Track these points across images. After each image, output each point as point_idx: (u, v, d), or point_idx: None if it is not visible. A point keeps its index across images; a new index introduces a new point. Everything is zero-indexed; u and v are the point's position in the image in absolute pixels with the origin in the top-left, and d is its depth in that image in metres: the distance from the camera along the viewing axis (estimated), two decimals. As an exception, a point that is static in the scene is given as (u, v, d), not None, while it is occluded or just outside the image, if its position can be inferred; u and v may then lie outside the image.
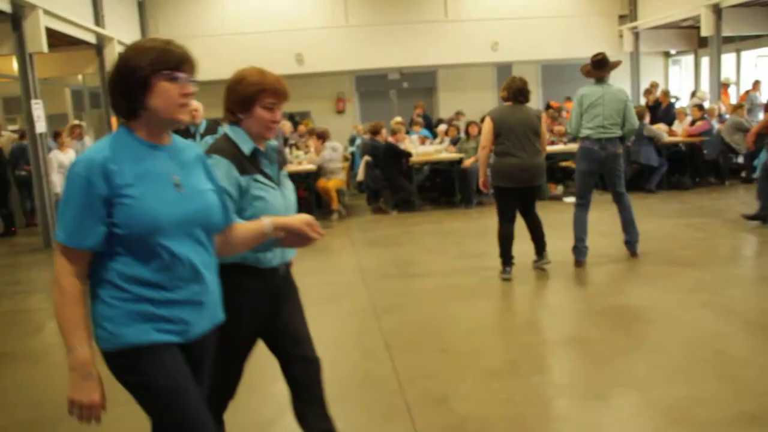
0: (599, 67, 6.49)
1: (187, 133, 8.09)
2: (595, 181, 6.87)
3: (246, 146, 2.63)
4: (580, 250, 6.59)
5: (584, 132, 6.52)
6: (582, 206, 6.65)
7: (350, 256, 8.11)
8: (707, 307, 5.25)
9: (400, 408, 3.84)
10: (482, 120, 7.05)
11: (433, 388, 4.09)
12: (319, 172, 10.56)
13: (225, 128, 2.70)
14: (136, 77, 1.97)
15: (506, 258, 6.42)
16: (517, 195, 6.31)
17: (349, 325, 5.53)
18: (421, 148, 11.70)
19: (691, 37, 17.79)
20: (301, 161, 10.93)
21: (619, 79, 18.33)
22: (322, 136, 10.82)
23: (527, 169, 6.18)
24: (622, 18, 18.52)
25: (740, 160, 11.92)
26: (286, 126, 11.85)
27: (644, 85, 16.28)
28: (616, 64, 6.64)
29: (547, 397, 3.93)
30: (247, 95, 2.60)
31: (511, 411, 3.73)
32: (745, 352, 4.33)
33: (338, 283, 6.82)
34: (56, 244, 1.99)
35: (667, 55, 20.58)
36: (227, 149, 2.59)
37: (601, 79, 6.52)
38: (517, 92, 6.25)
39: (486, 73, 18.53)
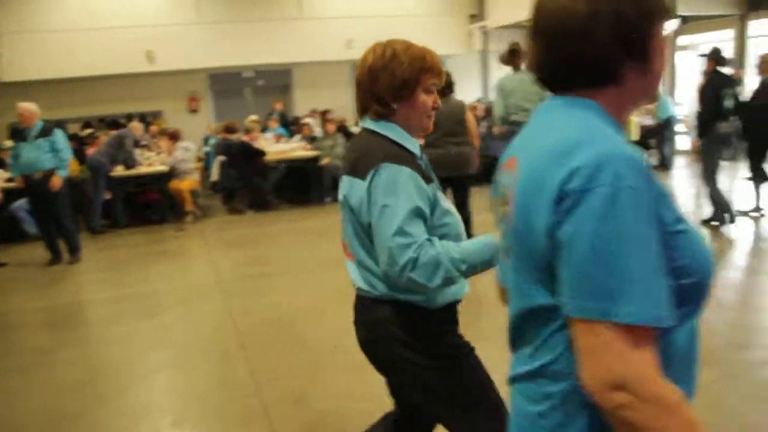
0: (514, 55, 6.85)
1: (19, 135, 7.60)
2: None
3: (413, 146, 2.07)
4: None
5: (514, 117, 6.78)
6: None
7: (205, 258, 7.89)
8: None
9: (257, 410, 3.77)
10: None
11: (290, 387, 4.04)
12: (172, 173, 10.20)
13: (370, 125, 2.09)
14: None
15: None
16: (444, 185, 6.44)
17: (204, 328, 5.36)
18: (275, 147, 11.57)
19: (533, 36, 18.64)
20: (152, 162, 10.52)
21: (469, 77, 19.06)
22: (174, 137, 10.47)
23: (454, 158, 6.33)
24: (473, 17, 19.17)
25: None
26: (137, 127, 11.34)
27: (493, 82, 16.88)
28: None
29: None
30: (408, 77, 2.03)
31: (369, 405, 3.73)
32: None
33: (192, 287, 6.61)
34: (601, 328, 1.03)
35: (513, 54, 21.47)
36: (400, 154, 1.97)
37: (517, 68, 6.84)
38: (446, 86, 6.38)
39: (341, 70, 18.61)
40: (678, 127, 12.85)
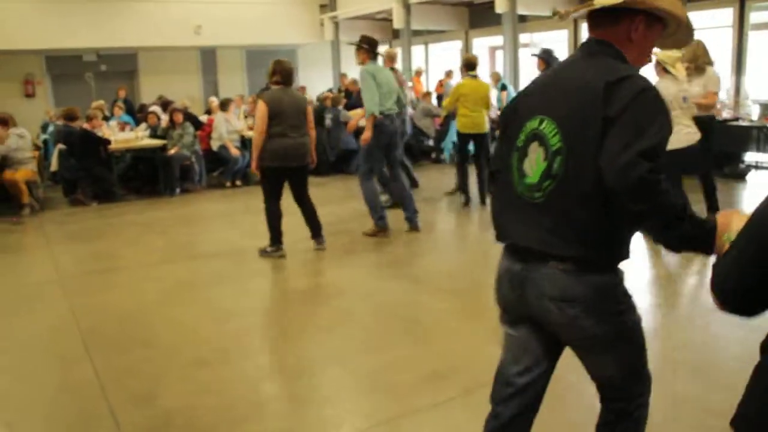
0: (373, 46, 7.08)
1: None
2: None
3: None
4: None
5: (383, 108, 6.88)
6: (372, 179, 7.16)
7: (44, 253, 7.45)
8: (398, 278, 5.69)
9: (103, 412, 3.63)
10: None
11: (137, 387, 3.92)
12: (5, 162, 9.52)
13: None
14: None
15: (276, 235, 6.52)
16: (285, 175, 6.39)
17: (42, 330, 5.06)
18: (120, 135, 11.09)
19: (386, 28, 18.97)
20: (-19, 151, 9.77)
21: (320, 67, 19.09)
22: (5, 122, 9.76)
23: (298, 148, 6.35)
24: (323, 7, 19.20)
25: (430, 143, 12.98)
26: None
27: (349, 72, 17.01)
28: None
29: (255, 381, 3.98)
30: None
31: (219, 400, 3.71)
32: (432, 318, 4.77)
33: (30, 285, 6.23)
34: None
35: (365, 44, 21.71)
36: None
37: (375, 58, 7.11)
38: (288, 75, 6.33)
39: (189, 56, 18.13)
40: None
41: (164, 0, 16.47)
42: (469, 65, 8.45)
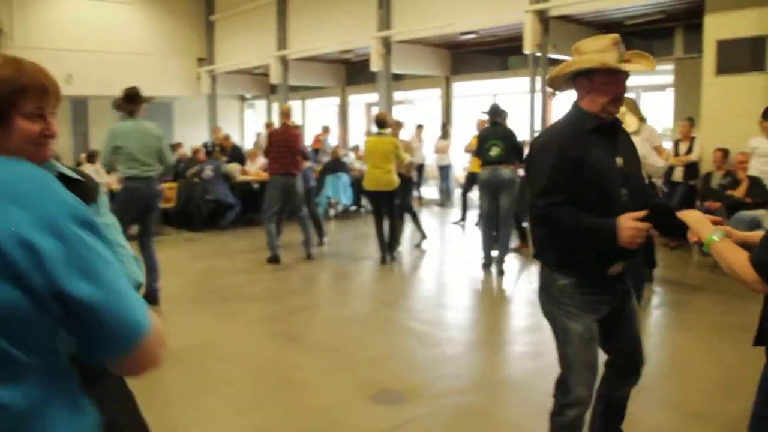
0: (131, 101, 6.28)
1: None
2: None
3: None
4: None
5: (127, 171, 6.31)
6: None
7: None
8: (271, 336, 5.62)
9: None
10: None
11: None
12: None
13: None
14: None
15: None
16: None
17: None
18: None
19: (263, 83, 19.08)
20: None
21: (196, 120, 18.91)
22: None
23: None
24: (201, 60, 19.11)
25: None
26: None
27: (224, 126, 16.91)
28: (148, 99, 6.53)
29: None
30: None
31: None
32: (306, 375, 4.72)
33: None
34: None
35: (242, 98, 21.74)
36: None
37: (131, 114, 6.30)
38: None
39: (60, 106, 17.48)
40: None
41: (34, 47, 15.85)
42: (378, 122, 8.49)
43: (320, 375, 4.71)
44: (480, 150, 7.97)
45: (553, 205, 2.57)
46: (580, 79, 2.73)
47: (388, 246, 8.49)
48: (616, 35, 2.73)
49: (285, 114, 8.62)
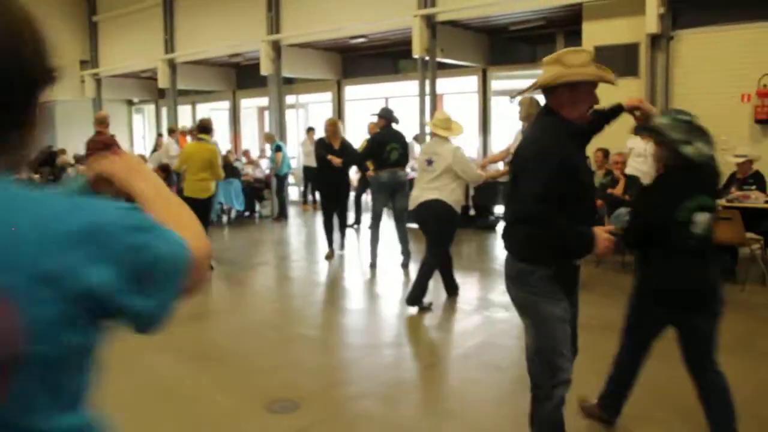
0: None
1: None
2: None
3: None
4: None
5: None
6: None
7: None
8: (160, 350, 5.44)
9: None
10: None
11: None
12: None
13: None
14: None
15: None
16: None
17: None
18: None
19: (151, 87, 18.56)
20: None
21: (83, 125, 18.11)
22: None
23: None
24: (84, 64, 18.39)
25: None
26: None
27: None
28: None
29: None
30: None
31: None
32: (194, 387, 4.62)
33: None
34: None
35: (130, 103, 21.07)
36: None
37: None
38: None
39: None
40: (290, 179, 13.82)
41: None
42: (202, 128, 8.32)
43: (210, 387, 4.62)
44: (379, 153, 8.05)
45: (549, 211, 2.77)
46: (560, 89, 2.91)
47: None
48: (591, 51, 3.04)
49: (100, 121, 8.25)
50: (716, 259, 3.54)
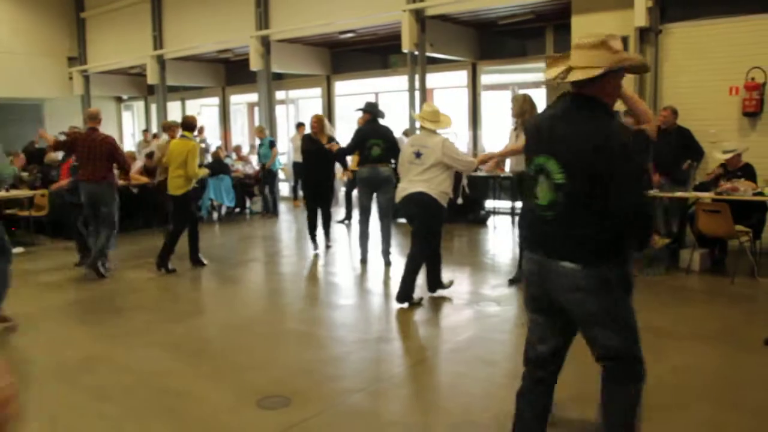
0: None
1: None
2: None
3: None
4: None
5: None
6: None
7: None
8: (152, 346, 5.44)
9: None
10: None
11: None
12: None
13: None
14: None
15: None
16: None
17: None
18: None
19: (140, 83, 18.47)
20: None
21: (72, 122, 18.03)
22: None
23: None
24: (72, 60, 18.29)
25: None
26: None
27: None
28: None
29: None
30: None
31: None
32: (186, 384, 4.61)
33: None
34: None
35: (119, 99, 20.97)
36: None
37: None
38: None
39: None
40: (280, 176, 13.82)
41: None
42: (185, 125, 8.28)
43: (202, 383, 4.62)
44: (361, 148, 8.04)
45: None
46: (610, 75, 2.70)
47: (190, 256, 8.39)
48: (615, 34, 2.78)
49: (93, 117, 8.22)
50: None
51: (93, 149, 7.73)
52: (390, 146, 7.97)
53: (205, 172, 9.69)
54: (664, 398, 3.98)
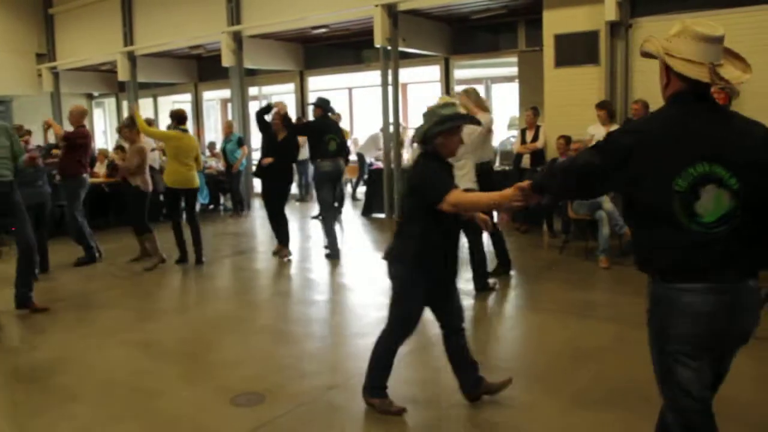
0: None
1: None
2: None
3: None
4: None
5: None
6: None
7: None
8: (124, 345, 5.39)
9: None
10: None
11: None
12: None
13: None
14: None
15: None
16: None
17: None
18: None
19: (111, 80, 18.23)
20: None
21: (38, 120, 17.81)
22: None
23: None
24: (41, 57, 18.02)
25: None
26: None
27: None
28: None
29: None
30: None
31: None
32: (159, 383, 4.57)
33: None
34: None
35: (90, 96, 20.70)
36: None
37: None
38: None
39: None
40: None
41: None
42: (179, 118, 8.26)
43: (174, 382, 4.59)
44: (318, 142, 8.10)
45: None
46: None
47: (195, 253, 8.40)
48: None
49: (82, 114, 8.57)
50: None
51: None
52: (343, 141, 8.38)
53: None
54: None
